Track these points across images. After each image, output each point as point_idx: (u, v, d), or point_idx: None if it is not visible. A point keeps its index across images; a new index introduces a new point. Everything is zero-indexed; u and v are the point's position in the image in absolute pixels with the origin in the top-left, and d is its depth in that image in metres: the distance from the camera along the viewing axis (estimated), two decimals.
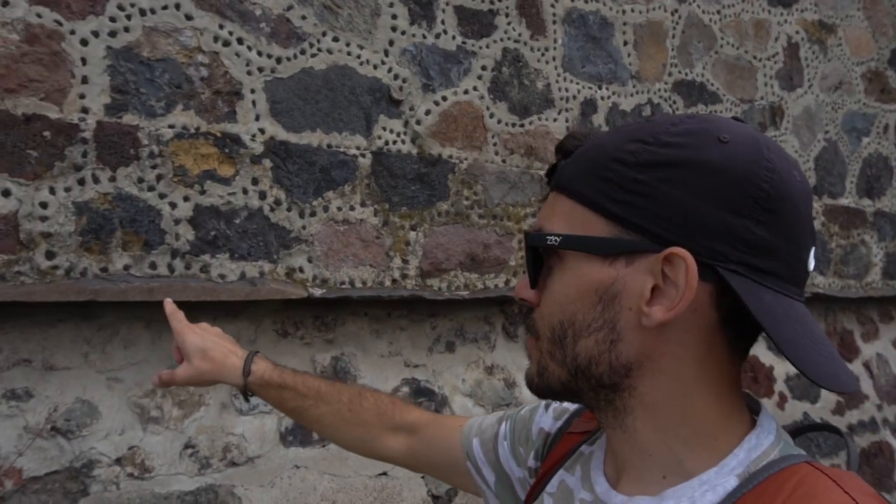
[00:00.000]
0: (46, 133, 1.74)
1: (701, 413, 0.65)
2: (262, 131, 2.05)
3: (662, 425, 0.66)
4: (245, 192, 1.98)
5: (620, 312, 0.65)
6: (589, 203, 0.66)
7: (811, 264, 0.66)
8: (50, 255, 1.72)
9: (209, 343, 1.13)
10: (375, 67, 2.27)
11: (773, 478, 0.61)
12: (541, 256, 0.71)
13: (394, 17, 2.30)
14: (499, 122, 2.51)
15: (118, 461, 1.84)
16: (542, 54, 2.62)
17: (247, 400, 1.18)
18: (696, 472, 0.64)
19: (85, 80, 1.83)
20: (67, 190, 1.75)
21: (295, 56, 2.13)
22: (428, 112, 2.37)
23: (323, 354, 2.20)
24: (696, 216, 0.61)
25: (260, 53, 2.06)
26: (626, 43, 2.84)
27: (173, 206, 1.88)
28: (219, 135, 1.95)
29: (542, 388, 0.72)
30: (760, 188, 0.61)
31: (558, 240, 0.67)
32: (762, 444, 0.65)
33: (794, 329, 0.61)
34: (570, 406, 0.91)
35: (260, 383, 1.12)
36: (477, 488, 1.02)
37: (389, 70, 2.29)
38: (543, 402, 0.95)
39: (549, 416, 0.93)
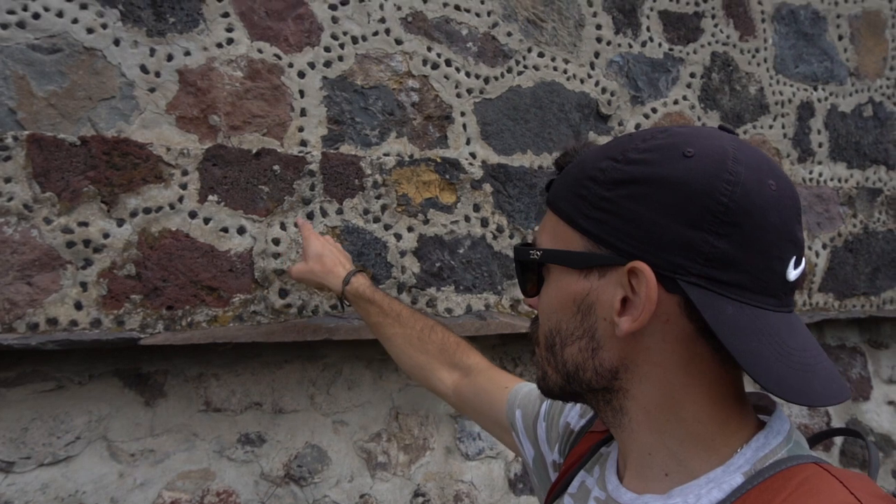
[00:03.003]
0: (276, 167, 1.69)
1: (693, 416, 0.66)
2: (473, 155, 1.93)
3: (657, 427, 0.68)
4: (467, 219, 1.86)
5: (597, 322, 0.68)
6: (567, 219, 0.69)
7: (791, 273, 0.64)
8: (283, 293, 1.66)
9: (326, 250, 1.36)
10: (582, 82, 2.11)
11: (779, 475, 0.61)
12: (533, 268, 0.75)
13: (598, 27, 2.14)
14: None
15: None
16: (753, 56, 2.38)
17: (342, 308, 1.35)
18: (701, 471, 0.65)
19: (303, 113, 1.78)
20: (298, 225, 1.69)
21: (502, 75, 2.01)
22: (638, 126, 2.18)
23: None
24: (656, 231, 0.62)
25: (468, 74, 1.96)
26: (841, 37, 2.55)
27: (398, 237, 1.78)
28: (439, 160, 1.85)
29: (547, 392, 0.76)
30: (719, 201, 0.61)
31: (539, 254, 0.72)
32: (770, 444, 0.65)
33: (758, 340, 0.61)
34: None
35: (355, 294, 1.30)
36: (520, 453, 1.05)
37: (597, 83, 2.13)
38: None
39: (575, 411, 0.95)
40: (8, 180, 1.46)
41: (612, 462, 0.79)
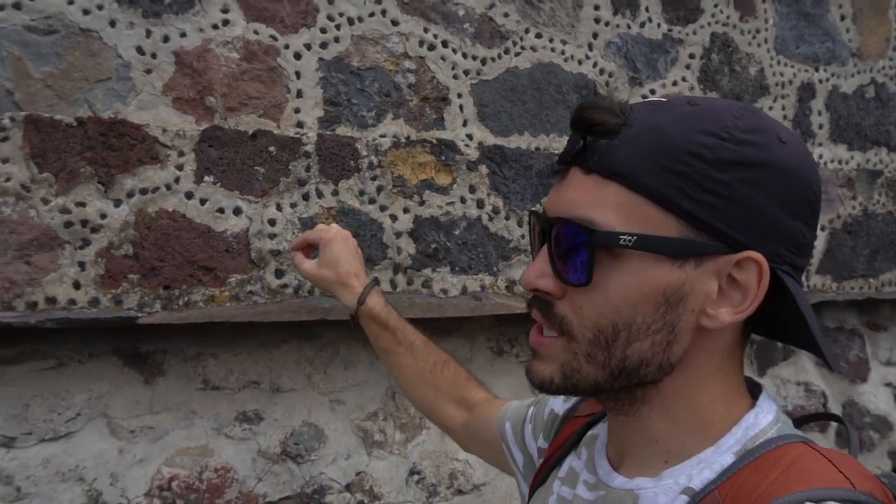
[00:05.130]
0: (272, 148, 1.70)
1: (710, 403, 0.66)
2: (470, 137, 1.94)
3: (673, 414, 0.66)
4: (463, 200, 1.86)
5: (683, 314, 0.63)
6: (658, 197, 0.60)
7: None
8: (279, 273, 1.67)
9: (343, 258, 1.19)
10: (580, 63, 2.11)
11: (769, 455, 0.61)
12: (587, 251, 0.62)
13: (596, 7, 2.13)
14: None
15: (348, 487, 1.76)
16: (753, 37, 2.37)
17: (353, 324, 1.21)
18: (694, 451, 0.65)
19: (299, 94, 1.78)
20: (293, 206, 1.70)
21: (499, 56, 2.00)
22: None
23: None
24: (768, 219, 0.60)
25: (465, 55, 1.96)
26: (843, 17, 2.53)
27: (394, 218, 1.79)
28: (434, 142, 1.85)
29: (565, 389, 0.68)
30: (814, 192, 0.62)
31: (632, 240, 0.60)
32: (760, 423, 0.65)
33: (817, 322, 0.64)
34: None
35: (369, 315, 1.17)
36: (511, 470, 1.02)
37: (595, 65, 2.13)
38: None
39: (558, 401, 0.93)
40: (5, 161, 1.47)
41: (601, 445, 0.77)
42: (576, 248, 0.63)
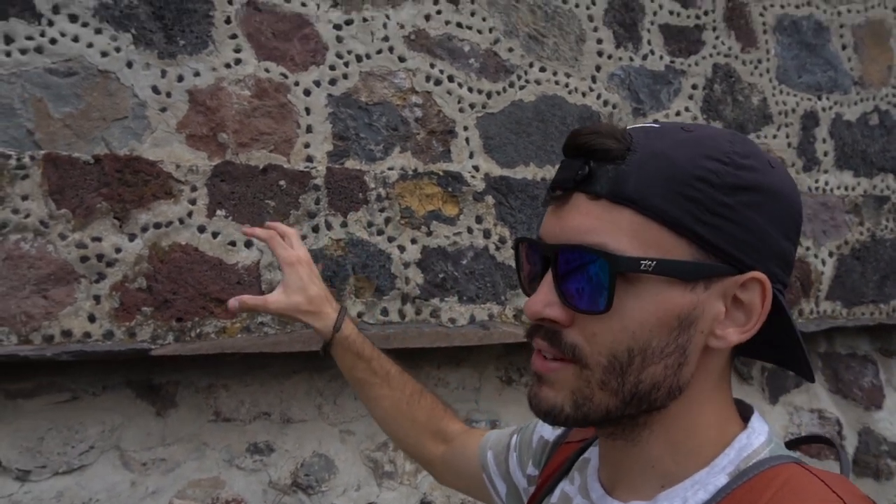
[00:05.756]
0: (282, 182, 1.74)
1: (706, 424, 0.66)
2: (476, 168, 1.97)
3: (673, 438, 0.66)
4: (470, 231, 1.89)
5: (694, 337, 0.63)
6: (672, 222, 0.60)
7: None
8: None
9: (312, 282, 1.08)
10: (584, 95, 2.15)
11: (762, 475, 0.61)
12: (609, 278, 0.61)
13: (599, 41, 2.18)
14: None
15: None
16: (755, 67, 2.41)
17: (324, 355, 1.12)
18: (689, 473, 0.65)
19: (309, 130, 1.83)
20: (303, 238, 1.73)
21: (504, 89, 2.05)
22: None
23: None
24: (767, 240, 0.62)
25: (471, 90, 2.00)
26: (844, 47, 2.57)
27: (402, 249, 1.82)
28: (441, 173, 1.89)
29: (574, 420, 0.66)
30: (799, 213, 0.66)
31: (652, 265, 0.60)
32: (752, 444, 0.65)
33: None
34: None
35: (344, 344, 1.09)
36: (493, 500, 0.99)
37: (598, 97, 2.17)
38: None
39: (547, 428, 0.91)
40: (25, 198, 1.52)
41: (593, 469, 0.76)
42: (588, 275, 0.62)
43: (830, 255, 2.42)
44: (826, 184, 2.49)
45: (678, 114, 2.27)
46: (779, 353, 0.70)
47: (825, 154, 2.50)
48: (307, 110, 1.84)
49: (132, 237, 1.60)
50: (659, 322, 0.62)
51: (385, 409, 1.13)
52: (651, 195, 0.61)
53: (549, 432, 0.90)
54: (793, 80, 2.47)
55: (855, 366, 2.49)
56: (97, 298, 1.56)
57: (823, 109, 2.51)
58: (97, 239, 1.57)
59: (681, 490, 0.65)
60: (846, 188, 2.51)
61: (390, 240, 1.81)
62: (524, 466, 0.92)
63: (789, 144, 2.43)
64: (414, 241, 1.83)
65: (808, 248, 2.38)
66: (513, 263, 1.93)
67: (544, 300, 0.64)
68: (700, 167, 0.61)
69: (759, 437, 0.66)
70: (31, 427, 1.58)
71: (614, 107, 2.18)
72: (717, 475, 0.64)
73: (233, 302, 1.07)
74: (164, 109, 1.70)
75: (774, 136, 2.41)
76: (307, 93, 1.84)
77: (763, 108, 2.41)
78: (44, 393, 1.61)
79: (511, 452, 0.96)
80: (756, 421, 0.68)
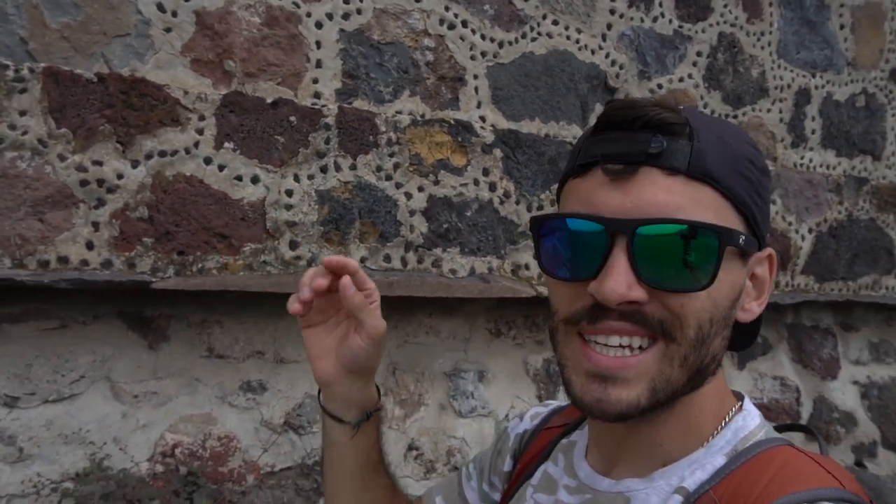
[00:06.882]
0: (292, 118, 1.68)
1: (706, 402, 0.66)
2: (483, 119, 1.94)
3: (683, 415, 0.66)
4: (476, 182, 1.87)
5: (734, 310, 0.65)
6: (739, 201, 0.63)
7: None
8: (293, 244, 1.66)
9: (338, 381, 0.86)
10: (593, 53, 2.13)
11: (760, 456, 0.62)
12: (718, 253, 0.61)
13: None
14: (712, 112, 2.33)
15: None
16: (758, 39, 2.42)
17: (354, 426, 0.88)
18: (686, 452, 0.65)
19: (319, 64, 1.76)
20: (311, 178, 1.69)
21: (516, 40, 2.01)
22: None
23: (535, 356, 2.08)
24: (768, 218, 0.68)
25: (483, 37, 1.95)
26: (842, 27, 2.60)
27: (409, 196, 1.79)
28: (452, 122, 1.85)
29: (644, 411, 0.62)
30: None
31: (744, 239, 0.63)
32: (748, 426, 0.66)
33: None
34: (547, 408, 0.89)
35: (374, 423, 0.89)
36: None
37: (607, 56, 2.15)
38: (517, 416, 0.92)
39: (524, 422, 0.89)
40: (23, 113, 1.43)
41: (579, 451, 0.75)
42: (686, 251, 0.60)
43: (810, 231, 2.50)
44: (811, 161, 2.55)
45: (681, 80, 2.27)
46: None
47: (813, 132, 2.55)
48: (318, 44, 1.76)
49: (135, 164, 1.52)
50: (731, 293, 0.64)
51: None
52: (725, 174, 0.62)
53: (526, 425, 0.88)
54: (791, 56, 2.50)
55: (817, 337, 2.61)
56: (96, 225, 1.49)
57: (816, 87, 2.55)
58: (98, 163, 1.49)
59: (678, 469, 0.65)
60: (828, 167, 2.58)
61: (398, 186, 1.78)
62: (494, 474, 0.88)
63: (781, 120, 2.47)
64: (421, 189, 1.81)
65: (790, 224, 2.46)
66: (515, 218, 1.93)
67: (626, 281, 0.60)
68: (747, 150, 0.64)
69: (753, 420, 0.68)
70: (19, 353, 1.52)
71: (621, 67, 2.17)
72: (714, 455, 0.64)
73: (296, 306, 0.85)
74: (168, 30, 1.60)
75: (768, 111, 2.45)
76: (319, 25, 1.76)
77: (761, 82, 2.43)
78: (31, 319, 1.55)
79: (465, 483, 0.90)
80: (748, 404, 0.70)
